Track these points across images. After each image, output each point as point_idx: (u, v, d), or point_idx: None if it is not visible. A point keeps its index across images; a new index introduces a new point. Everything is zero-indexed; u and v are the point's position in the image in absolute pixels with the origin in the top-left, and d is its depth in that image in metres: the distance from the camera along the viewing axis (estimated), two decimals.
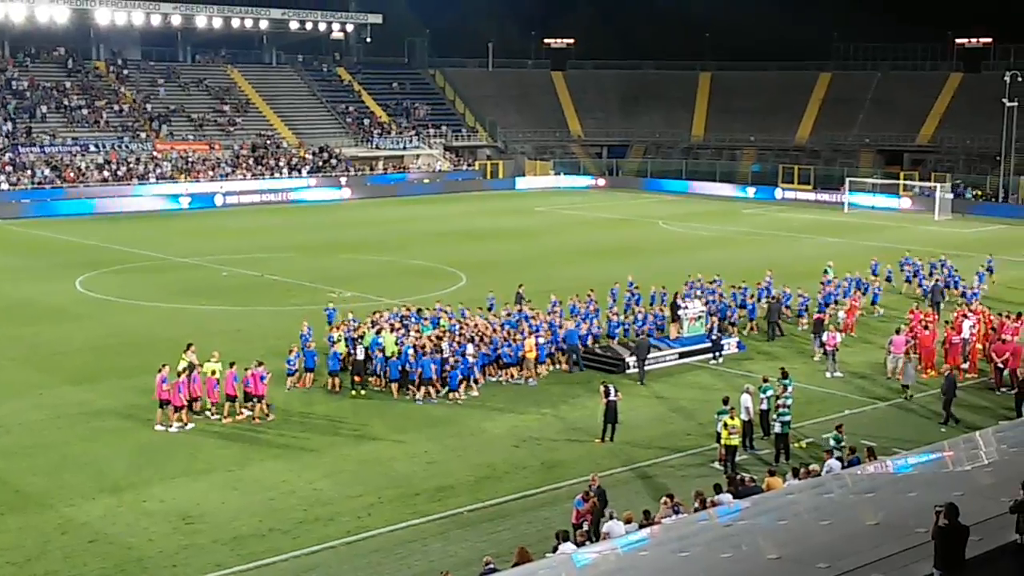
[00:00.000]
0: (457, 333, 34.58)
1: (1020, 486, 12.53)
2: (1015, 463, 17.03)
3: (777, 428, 27.26)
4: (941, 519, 11.74)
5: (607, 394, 28.52)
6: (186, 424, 29.24)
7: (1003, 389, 32.67)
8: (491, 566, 17.98)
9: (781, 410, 27.29)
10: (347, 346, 33.47)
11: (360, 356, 32.82)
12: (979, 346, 35.53)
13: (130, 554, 21.57)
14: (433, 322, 36.32)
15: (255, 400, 29.93)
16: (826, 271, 44.97)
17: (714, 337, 36.90)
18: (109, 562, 21.21)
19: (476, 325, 35.52)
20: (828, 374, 34.58)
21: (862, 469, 20.15)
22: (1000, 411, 30.44)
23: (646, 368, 34.35)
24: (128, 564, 21.16)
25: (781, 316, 40.44)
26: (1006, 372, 33.08)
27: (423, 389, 31.79)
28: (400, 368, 32.24)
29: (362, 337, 33.69)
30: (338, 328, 35.07)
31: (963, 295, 43.72)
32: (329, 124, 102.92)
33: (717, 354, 36.69)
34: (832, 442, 24.24)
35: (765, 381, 28.86)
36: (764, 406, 28.16)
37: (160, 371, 29.45)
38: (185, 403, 29.39)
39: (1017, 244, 55.15)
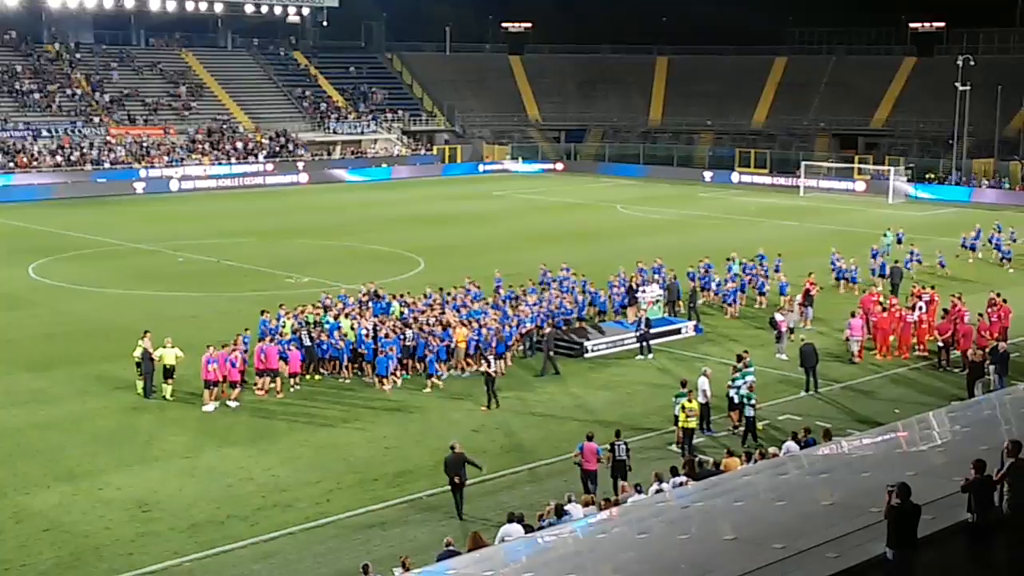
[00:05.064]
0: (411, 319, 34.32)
1: (971, 466, 12.73)
2: (966, 444, 17.27)
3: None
4: (893, 499, 11.91)
5: (488, 365, 30.14)
6: (232, 400, 29.77)
7: (956, 369, 33.11)
8: (451, 547, 18.03)
9: (735, 388, 27.61)
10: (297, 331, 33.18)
11: (307, 342, 32.47)
12: (925, 325, 35.98)
13: (86, 542, 21.41)
14: (383, 307, 36.05)
15: (270, 375, 30.73)
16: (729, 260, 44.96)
17: (640, 332, 35.59)
18: (64, 550, 21.05)
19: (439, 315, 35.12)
20: (778, 355, 34.86)
21: (818, 450, 20.36)
22: (952, 392, 30.83)
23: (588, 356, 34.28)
24: (84, 552, 21.00)
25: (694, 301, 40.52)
26: (956, 353, 33.58)
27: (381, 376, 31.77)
28: (352, 350, 32.40)
29: (317, 323, 33.51)
30: (288, 314, 34.59)
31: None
32: (286, 108, 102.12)
33: (645, 347, 35.32)
34: None
35: (744, 367, 28.59)
36: (743, 392, 27.74)
37: (206, 351, 29.62)
38: (239, 378, 30.10)
39: (967, 226, 55.97)
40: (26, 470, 25.12)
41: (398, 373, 31.98)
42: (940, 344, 34.08)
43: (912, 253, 48.40)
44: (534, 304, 36.42)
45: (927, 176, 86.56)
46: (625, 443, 23.82)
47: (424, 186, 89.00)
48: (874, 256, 46.88)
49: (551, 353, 33.45)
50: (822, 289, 41.82)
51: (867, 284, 43.68)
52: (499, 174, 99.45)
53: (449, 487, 23.01)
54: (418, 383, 31.85)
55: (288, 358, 31.27)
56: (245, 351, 31.09)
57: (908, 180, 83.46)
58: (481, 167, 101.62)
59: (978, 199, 79.39)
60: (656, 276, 41.37)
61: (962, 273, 48.11)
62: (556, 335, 35.51)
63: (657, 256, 44.58)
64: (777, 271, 43.63)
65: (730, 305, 40.97)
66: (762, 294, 42.20)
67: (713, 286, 42.05)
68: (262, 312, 34.28)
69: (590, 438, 23.64)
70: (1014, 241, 53.14)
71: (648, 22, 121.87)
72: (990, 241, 53.35)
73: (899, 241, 51.97)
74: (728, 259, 44.23)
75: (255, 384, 30.75)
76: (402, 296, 37.15)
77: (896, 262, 45.56)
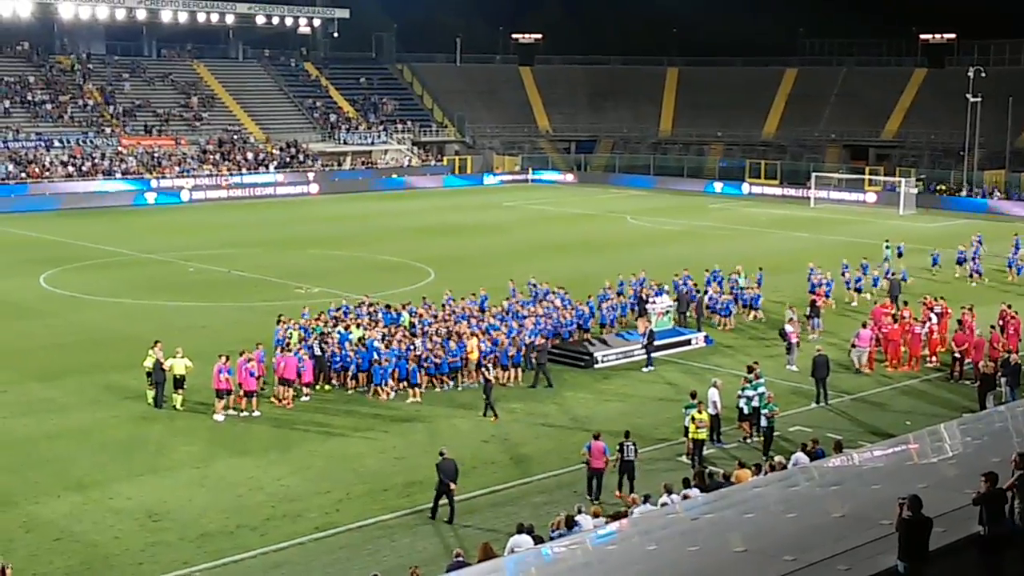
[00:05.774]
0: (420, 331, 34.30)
1: (983, 478, 12.67)
2: (978, 456, 17.19)
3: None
4: (905, 511, 11.85)
5: (488, 372, 30.63)
6: (254, 410, 29.85)
7: (967, 381, 33.00)
8: (460, 559, 18.03)
9: (745, 398, 27.61)
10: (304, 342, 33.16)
11: (317, 351, 32.46)
12: (936, 337, 35.86)
13: (96, 552, 21.44)
14: (393, 317, 36.12)
15: (289, 384, 30.83)
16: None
17: (644, 343, 35.45)
18: (75, 560, 21.07)
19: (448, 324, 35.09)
20: (788, 367, 34.73)
21: (828, 462, 20.30)
22: (963, 403, 30.72)
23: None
24: (94, 562, 21.03)
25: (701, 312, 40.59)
26: (968, 364, 33.48)
27: (384, 387, 31.65)
28: (360, 360, 32.29)
29: (328, 333, 33.53)
30: (295, 325, 34.53)
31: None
32: (296, 119, 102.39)
33: (648, 359, 35.23)
34: None
35: (756, 378, 28.61)
36: (756, 403, 27.83)
37: (218, 361, 29.61)
38: (257, 388, 30.10)
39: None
40: (36, 479, 25.16)
41: (390, 385, 31.76)
42: (956, 355, 33.96)
43: (864, 268, 47.78)
44: (542, 316, 36.39)
45: (938, 188, 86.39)
46: (634, 443, 24.25)
47: (434, 197, 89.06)
48: (844, 271, 46.70)
49: (542, 364, 33.44)
50: (827, 301, 41.91)
51: (838, 298, 43.98)
52: (510, 184, 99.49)
53: (445, 493, 22.96)
54: (426, 394, 31.82)
55: (304, 368, 31.33)
56: (261, 361, 31.03)
57: (921, 192, 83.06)
58: (492, 178, 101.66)
59: (991, 210, 79.13)
60: (638, 287, 41.48)
61: (928, 288, 46.60)
62: (556, 346, 35.36)
63: (673, 267, 44.81)
64: (759, 284, 43.63)
65: (724, 317, 40.96)
66: (754, 308, 42.06)
67: (706, 299, 41.89)
68: (278, 321, 34.41)
69: (597, 437, 24.27)
70: (977, 257, 52.02)
71: (658, 33, 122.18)
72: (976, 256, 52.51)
73: (899, 254, 51.51)
74: (706, 270, 44.39)
75: (273, 393, 30.80)
76: (409, 305, 37.19)
77: (893, 274, 45.37)
